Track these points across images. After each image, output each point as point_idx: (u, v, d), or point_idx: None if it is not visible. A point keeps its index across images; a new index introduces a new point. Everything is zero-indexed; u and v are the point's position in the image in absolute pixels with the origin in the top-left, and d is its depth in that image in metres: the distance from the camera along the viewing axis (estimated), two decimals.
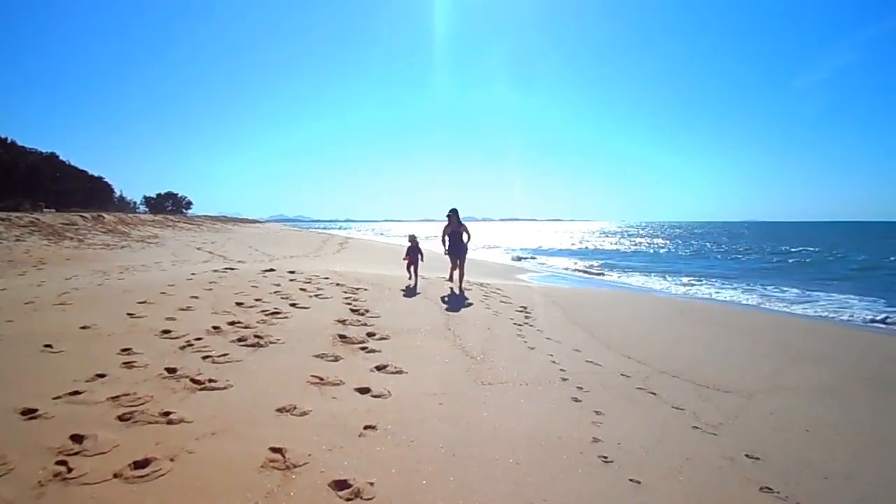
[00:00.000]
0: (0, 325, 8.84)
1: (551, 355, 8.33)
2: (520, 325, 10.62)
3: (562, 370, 7.56)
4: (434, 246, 22.48)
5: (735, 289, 23.50)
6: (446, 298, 13.36)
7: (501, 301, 13.32)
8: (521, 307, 12.60)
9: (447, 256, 15.68)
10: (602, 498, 4.23)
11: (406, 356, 7.80)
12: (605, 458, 4.93)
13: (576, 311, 12.82)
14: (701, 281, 26.62)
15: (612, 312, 13.62)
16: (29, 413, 5.19)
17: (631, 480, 4.56)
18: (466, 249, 15.55)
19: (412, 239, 16.12)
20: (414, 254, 15.66)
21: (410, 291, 13.85)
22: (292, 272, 15.82)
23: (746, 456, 5.35)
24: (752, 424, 6.34)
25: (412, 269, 15.71)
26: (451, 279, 16.02)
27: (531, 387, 6.86)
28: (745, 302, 19.78)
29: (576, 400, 6.47)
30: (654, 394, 7.03)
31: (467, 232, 15.64)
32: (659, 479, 4.63)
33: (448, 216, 15.47)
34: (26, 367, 6.68)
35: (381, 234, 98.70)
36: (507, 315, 11.48)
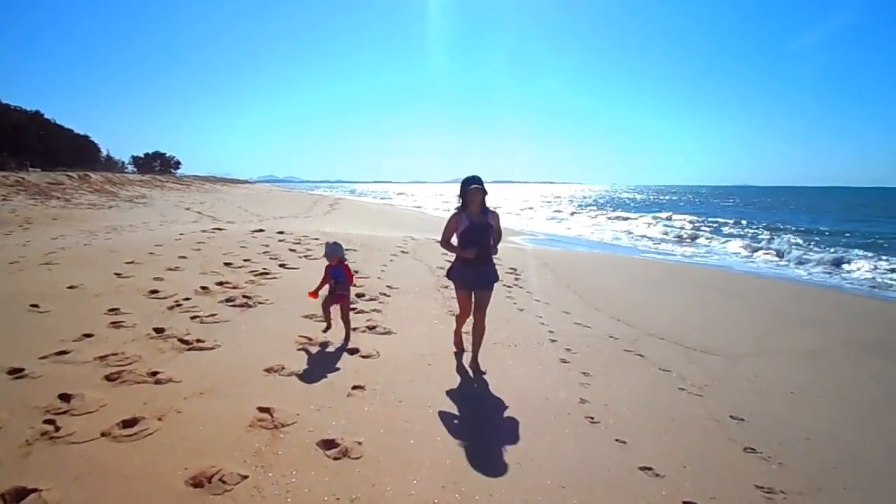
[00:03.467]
0: None
1: (540, 317, 8.36)
2: (509, 286, 10.63)
3: (550, 332, 7.60)
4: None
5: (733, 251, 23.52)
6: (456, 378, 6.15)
7: None
8: (511, 269, 12.59)
9: (454, 283, 6.58)
10: (589, 457, 4.28)
11: (395, 317, 7.81)
12: (592, 418, 4.97)
13: (567, 273, 12.84)
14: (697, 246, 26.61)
15: (604, 275, 13.66)
16: (16, 372, 5.17)
17: (617, 441, 4.60)
18: (495, 270, 6.59)
19: (333, 251, 6.89)
20: (337, 279, 6.87)
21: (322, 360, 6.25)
22: (281, 233, 15.74)
23: (731, 417, 5.41)
24: (738, 386, 6.41)
25: (335, 308, 6.96)
26: (458, 339, 6.91)
27: (520, 348, 6.89)
28: (740, 265, 19.86)
29: (564, 361, 6.51)
30: (642, 356, 7.08)
31: (498, 226, 6.43)
32: (645, 440, 4.68)
33: (468, 192, 6.18)
34: (12, 326, 6.63)
35: (370, 195, 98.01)
36: None
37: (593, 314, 9.14)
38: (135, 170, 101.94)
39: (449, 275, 6.52)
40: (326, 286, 6.85)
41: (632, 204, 77.72)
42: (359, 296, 8.86)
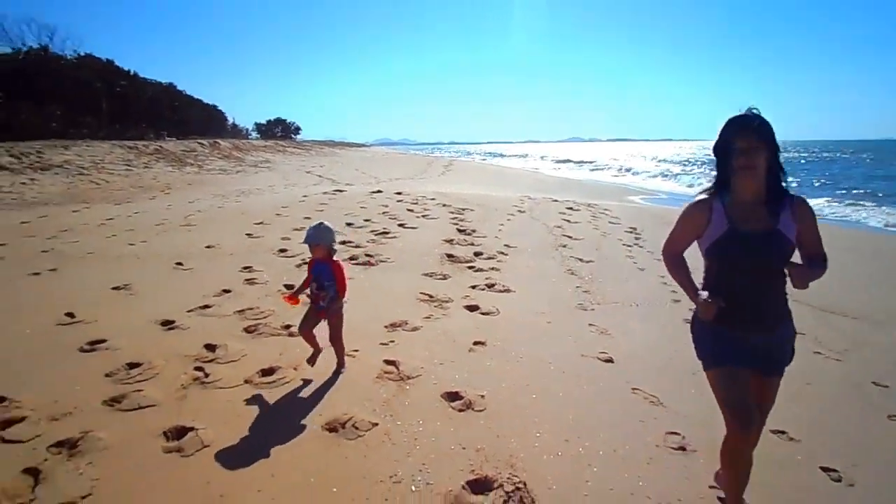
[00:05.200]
0: (136, 244, 9.57)
1: (662, 276, 8.11)
2: (629, 245, 10.40)
3: (673, 292, 7.37)
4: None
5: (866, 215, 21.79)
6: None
7: (610, 222, 13.03)
8: (631, 227, 12.29)
9: (697, 350, 3.14)
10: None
11: (514, 275, 7.83)
12: None
13: None
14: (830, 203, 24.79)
15: None
16: (168, 324, 5.66)
17: None
18: (792, 335, 3.05)
19: (315, 237, 4.51)
20: (321, 282, 4.56)
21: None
22: (399, 193, 16.05)
23: (874, 384, 5.07)
24: (881, 352, 5.98)
25: (323, 326, 4.71)
26: (730, 482, 3.04)
27: (641, 308, 6.75)
28: (872, 225, 18.44)
29: (687, 321, 6.29)
30: None
31: (812, 237, 2.84)
32: (777, 403, 4.49)
33: (734, 148, 2.70)
34: (161, 282, 7.22)
35: (485, 156, 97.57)
36: (615, 236, 11.26)
37: None
38: (258, 136, 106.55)
39: (693, 330, 3.17)
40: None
41: None
42: (476, 254, 8.94)
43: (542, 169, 53.15)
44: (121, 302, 6.47)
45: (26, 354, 4.86)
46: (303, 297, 4.74)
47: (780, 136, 2.72)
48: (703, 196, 2.91)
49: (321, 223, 4.60)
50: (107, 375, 4.47)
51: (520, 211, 13.82)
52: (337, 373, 4.66)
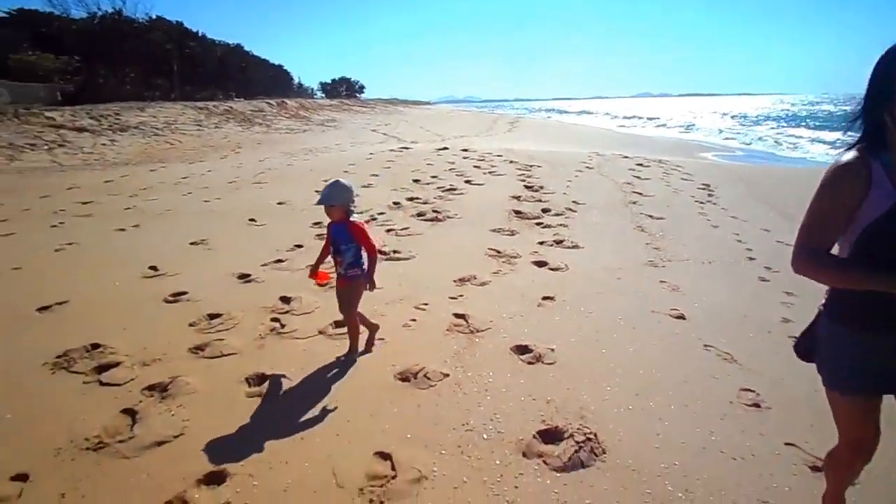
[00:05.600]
0: (212, 201, 9.91)
1: (736, 234, 7.90)
2: (702, 202, 10.12)
3: (748, 249, 7.17)
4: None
5: None
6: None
7: (682, 178, 12.69)
8: (704, 185, 11.93)
9: (823, 372, 2.30)
10: (791, 373, 4.08)
11: (582, 232, 7.77)
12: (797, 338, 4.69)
13: (765, 189, 11.90)
14: None
15: (809, 190, 12.46)
16: (244, 277, 5.89)
17: None
18: None
19: (331, 196, 3.93)
20: (339, 246, 4.03)
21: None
22: (465, 150, 16.02)
23: None
24: None
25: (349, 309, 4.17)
26: None
27: (714, 265, 6.59)
28: None
29: (763, 280, 6.15)
30: None
31: None
32: None
33: None
34: (237, 237, 7.48)
35: (551, 112, 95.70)
36: (688, 192, 10.96)
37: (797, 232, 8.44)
38: (323, 95, 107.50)
39: (802, 348, 2.46)
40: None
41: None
42: (544, 210, 8.89)
43: (612, 127, 51.90)
44: (199, 256, 6.75)
45: (117, 304, 5.15)
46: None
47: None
48: (852, 155, 1.93)
49: (336, 181, 4.02)
50: (190, 325, 4.70)
51: (588, 167, 13.60)
52: (353, 353, 4.14)
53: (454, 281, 5.79)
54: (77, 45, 44.26)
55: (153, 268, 6.20)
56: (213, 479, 2.80)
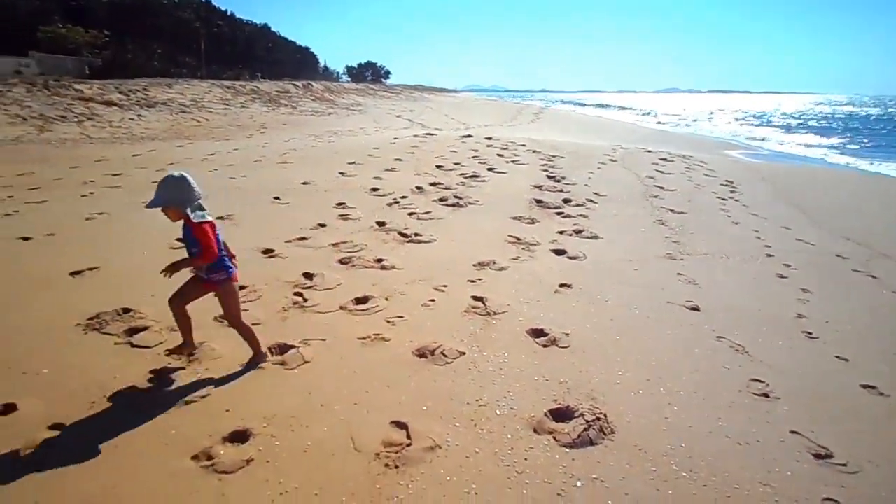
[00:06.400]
0: (237, 178, 10.08)
1: (756, 231, 7.92)
2: (724, 199, 10.11)
3: (767, 246, 7.20)
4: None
5: None
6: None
7: (705, 174, 12.65)
8: (727, 181, 11.89)
9: None
10: (803, 367, 4.14)
11: (602, 223, 7.83)
12: (810, 333, 4.74)
13: (789, 189, 11.82)
14: None
15: (835, 192, 12.34)
16: (268, 252, 6.04)
17: (837, 357, 4.38)
18: None
19: (165, 194, 3.39)
20: (190, 248, 3.61)
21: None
22: (489, 139, 16.06)
23: None
24: None
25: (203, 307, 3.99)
26: None
27: (732, 260, 6.63)
28: None
29: (781, 276, 6.18)
30: (874, 277, 6.48)
31: None
32: (869, 360, 4.41)
33: None
34: (261, 214, 7.63)
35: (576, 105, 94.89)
36: (710, 188, 10.94)
37: (817, 231, 8.44)
38: (349, 79, 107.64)
39: None
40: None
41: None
42: (565, 201, 8.96)
43: (637, 120, 51.52)
44: (225, 230, 6.78)
45: (145, 273, 5.30)
46: None
47: None
48: None
49: (166, 177, 3.43)
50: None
51: (611, 160, 13.60)
52: (253, 362, 3.73)
53: (473, 265, 5.89)
54: (106, 20, 44.75)
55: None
56: (237, 438, 2.95)
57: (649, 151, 15.83)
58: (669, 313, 4.95)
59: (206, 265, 3.54)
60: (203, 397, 3.28)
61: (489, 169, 11.38)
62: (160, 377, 3.50)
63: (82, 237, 6.49)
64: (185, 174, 3.43)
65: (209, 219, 3.54)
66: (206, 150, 14.62)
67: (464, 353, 3.99)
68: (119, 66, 40.47)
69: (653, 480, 2.80)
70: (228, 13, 63.13)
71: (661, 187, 10.64)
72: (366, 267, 5.71)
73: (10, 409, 3.14)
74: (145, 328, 4.15)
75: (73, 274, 5.25)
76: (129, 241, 6.32)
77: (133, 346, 3.92)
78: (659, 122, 47.91)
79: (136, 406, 3.20)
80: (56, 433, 2.95)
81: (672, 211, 8.79)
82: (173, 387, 3.40)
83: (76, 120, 20.50)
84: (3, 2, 43.60)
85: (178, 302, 3.67)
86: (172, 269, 3.45)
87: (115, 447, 2.85)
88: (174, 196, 3.39)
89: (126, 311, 4.42)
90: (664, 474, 2.83)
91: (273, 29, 74.01)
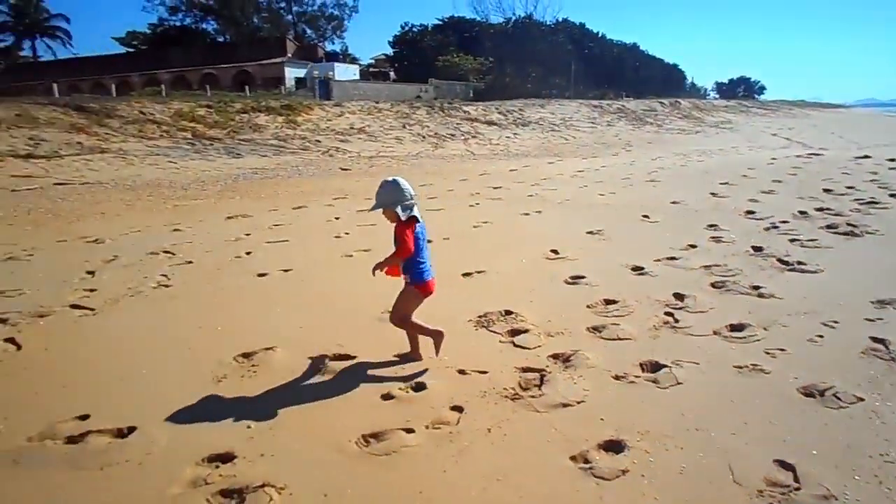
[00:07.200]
0: (606, 195, 10.47)
1: None
2: None
3: None
4: None
5: None
6: None
7: None
8: None
9: None
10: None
11: None
12: None
13: None
14: None
15: None
16: (638, 270, 6.10)
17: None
18: None
19: (379, 203, 3.80)
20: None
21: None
22: (893, 160, 13.93)
23: None
24: None
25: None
26: None
27: None
28: None
29: None
30: None
31: None
32: None
33: None
34: (630, 231, 7.77)
35: None
36: None
37: None
38: (717, 96, 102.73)
39: None
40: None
41: None
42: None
43: None
44: (595, 245, 7.15)
45: (525, 279, 5.79)
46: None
47: None
48: None
49: (383, 181, 3.80)
50: (588, 307, 5.04)
51: None
52: (407, 357, 4.08)
53: (871, 301, 5.14)
54: (491, 48, 49.78)
55: (554, 251, 6.77)
56: (612, 447, 3.01)
57: None
58: None
59: (403, 262, 3.83)
60: (579, 402, 3.44)
61: (892, 195, 9.86)
62: (540, 377, 3.76)
63: (471, 242, 7.35)
64: (397, 178, 3.77)
65: (415, 214, 3.82)
66: (575, 166, 15.32)
67: (862, 400, 3.51)
68: (498, 88, 44.63)
69: None
70: (600, 35, 65.03)
71: None
72: (741, 293, 5.38)
73: (420, 387, 3.70)
74: (526, 330, 4.51)
75: (465, 275, 5.96)
76: (510, 249, 6.96)
77: (515, 345, 4.28)
78: None
79: (520, 401, 3.48)
80: (456, 415, 3.35)
81: None
82: (552, 388, 3.61)
83: (463, 138, 23.15)
84: (414, 38, 51.49)
85: (395, 316, 4.00)
86: (377, 266, 3.80)
87: (504, 436, 3.14)
88: (387, 199, 3.73)
89: (508, 312, 4.86)
90: None
91: (641, 47, 74.20)
